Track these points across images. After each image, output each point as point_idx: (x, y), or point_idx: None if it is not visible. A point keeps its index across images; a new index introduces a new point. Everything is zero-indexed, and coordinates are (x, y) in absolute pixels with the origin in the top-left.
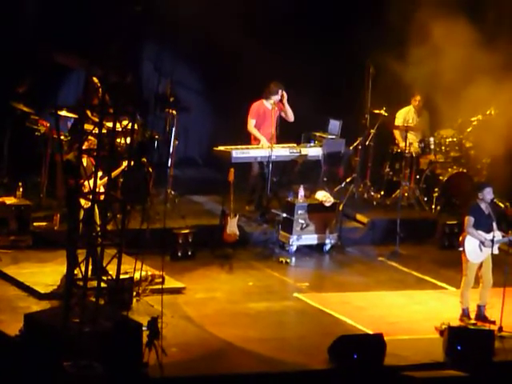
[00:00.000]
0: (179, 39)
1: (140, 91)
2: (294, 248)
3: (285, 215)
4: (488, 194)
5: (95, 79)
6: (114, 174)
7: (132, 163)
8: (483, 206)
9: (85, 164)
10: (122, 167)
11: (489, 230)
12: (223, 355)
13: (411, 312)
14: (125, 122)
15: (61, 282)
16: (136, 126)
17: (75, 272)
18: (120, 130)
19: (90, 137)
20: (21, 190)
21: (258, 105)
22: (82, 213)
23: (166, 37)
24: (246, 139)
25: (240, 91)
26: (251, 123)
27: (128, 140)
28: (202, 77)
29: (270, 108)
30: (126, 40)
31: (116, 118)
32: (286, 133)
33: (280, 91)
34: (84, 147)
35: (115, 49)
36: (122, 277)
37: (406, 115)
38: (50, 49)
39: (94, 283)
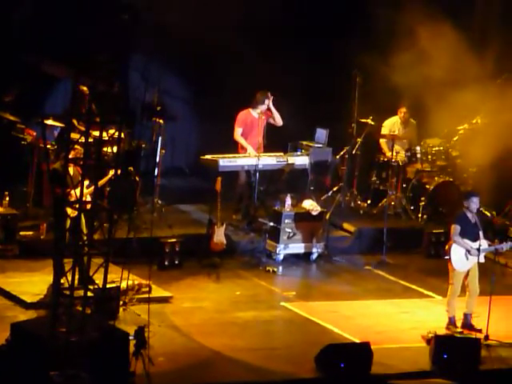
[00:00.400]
0: (166, 48)
1: (127, 100)
2: (281, 257)
3: (272, 224)
4: (473, 203)
5: (83, 88)
6: (100, 183)
7: (119, 172)
8: (470, 214)
9: (71, 173)
10: (109, 176)
11: (475, 238)
12: (211, 364)
13: (398, 321)
14: (111, 131)
15: (47, 292)
16: (122, 135)
17: (62, 281)
18: (107, 139)
19: (76, 146)
20: (7, 199)
21: (244, 114)
22: (68, 222)
23: (154, 46)
24: (233, 148)
25: (227, 100)
26: (238, 132)
27: (115, 149)
28: (189, 86)
29: (257, 117)
30: (114, 49)
31: (103, 127)
32: (272, 142)
33: (267, 100)
34: (70, 156)
35: (102, 58)
36: (108, 286)
37: (391, 126)
38: (37, 58)
39: (81, 292)
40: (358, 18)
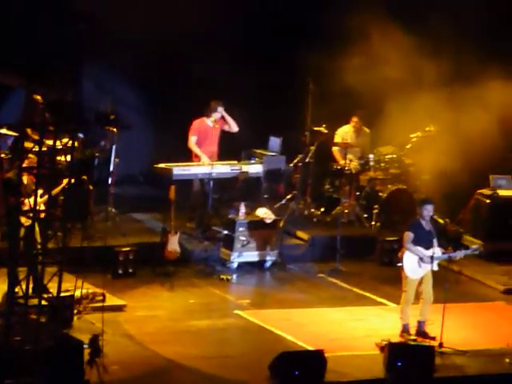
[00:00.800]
0: (120, 58)
1: (81, 109)
2: (235, 265)
3: (226, 232)
4: (427, 210)
5: (37, 97)
6: (54, 191)
7: (72, 181)
8: (424, 222)
9: (25, 182)
10: (63, 185)
11: (429, 246)
12: (165, 373)
13: (352, 328)
14: (65, 140)
15: (2, 300)
16: (76, 144)
17: (16, 290)
18: (60, 147)
19: (30, 155)
20: None
21: (199, 122)
22: (22, 231)
23: (107, 54)
24: (187, 157)
25: (180, 109)
26: (192, 140)
27: (68, 158)
28: (143, 95)
29: (212, 125)
30: (68, 58)
31: (56, 135)
32: (226, 150)
33: (220, 108)
34: (24, 165)
35: (56, 67)
36: (62, 295)
37: (344, 134)
38: None
39: (35, 301)
40: (313, 24)
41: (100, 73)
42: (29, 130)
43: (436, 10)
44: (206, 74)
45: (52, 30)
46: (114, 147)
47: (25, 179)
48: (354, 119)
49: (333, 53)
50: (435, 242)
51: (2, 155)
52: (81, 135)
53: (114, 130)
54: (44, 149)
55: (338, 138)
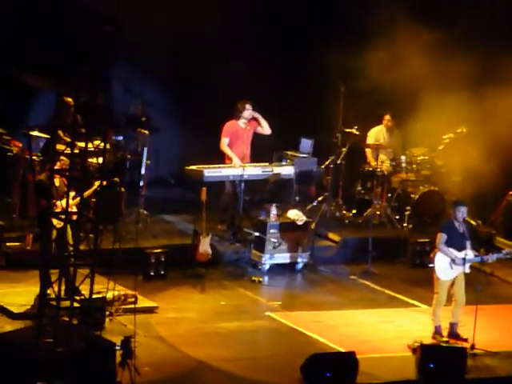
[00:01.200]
0: (150, 59)
1: (111, 111)
2: (266, 267)
3: (257, 234)
4: (460, 212)
5: (68, 99)
6: (86, 193)
7: (104, 183)
8: (457, 223)
9: (57, 184)
10: (94, 187)
11: (461, 248)
12: (195, 374)
13: (383, 330)
14: (97, 142)
15: (34, 302)
16: (108, 146)
17: (48, 292)
18: (92, 149)
19: (62, 157)
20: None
21: (230, 124)
22: (54, 233)
23: (137, 57)
24: (217, 159)
25: (212, 111)
26: (224, 142)
27: (100, 160)
28: (172, 96)
29: (243, 127)
30: (97, 60)
31: (88, 137)
32: (258, 152)
33: (247, 110)
34: (56, 167)
35: (86, 69)
36: (94, 297)
37: (377, 134)
38: (20, 69)
39: (67, 303)
40: (342, 23)
41: (129, 75)
42: (60, 132)
43: (466, 7)
44: (235, 75)
45: (81, 32)
46: (145, 149)
47: (57, 181)
48: (387, 117)
49: (362, 52)
50: (468, 244)
51: (34, 157)
52: (119, 138)
53: (146, 132)
54: (76, 151)
55: (370, 139)
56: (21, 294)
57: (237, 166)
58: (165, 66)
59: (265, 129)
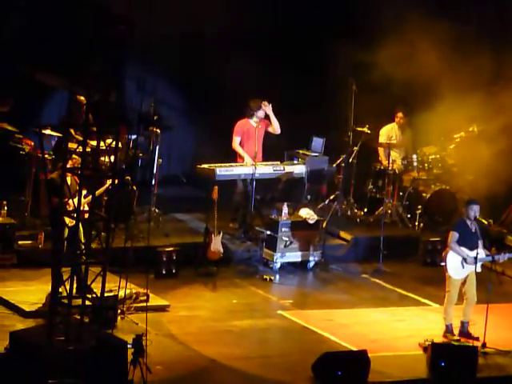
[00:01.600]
0: (163, 58)
1: (124, 110)
2: (277, 265)
3: (268, 233)
4: (472, 210)
5: (80, 97)
6: (98, 192)
7: (116, 182)
8: (469, 222)
9: (69, 182)
10: (106, 186)
11: (473, 247)
12: (207, 373)
13: (394, 329)
14: (109, 141)
15: (45, 300)
16: (120, 145)
17: (60, 290)
18: (104, 148)
19: (74, 155)
20: (5, 208)
21: (242, 123)
22: (66, 231)
23: (149, 55)
24: (228, 157)
25: (224, 109)
26: (236, 141)
27: (112, 158)
28: (184, 95)
29: (255, 126)
30: (109, 58)
31: (100, 136)
32: (269, 150)
33: (261, 109)
34: (68, 166)
35: (98, 68)
36: (106, 295)
37: (389, 132)
38: (32, 68)
39: (79, 301)
40: (353, 22)
41: (141, 74)
42: (72, 131)
43: (479, 6)
44: (247, 74)
45: (93, 31)
46: (157, 148)
47: (68, 180)
48: (399, 115)
49: (373, 50)
50: (480, 243)
51: (46, 156)
52: (133, 137)
53: (157, 130)
54: (88, 149)
55: (382, 138)
56: (33, 293)
57: (248, 165)
58: (177, 65)
59: (275, 128)
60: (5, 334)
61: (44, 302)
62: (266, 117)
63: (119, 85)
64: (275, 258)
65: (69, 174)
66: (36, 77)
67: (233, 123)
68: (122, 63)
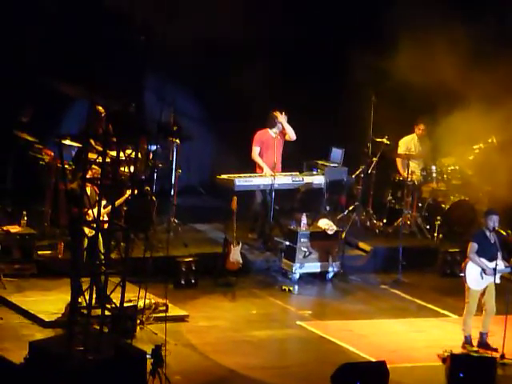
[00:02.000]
0: (182, 68)
1: (143, 120)
2: (296, 276)
3: (287, 243)
4: (492, 221)
5: (99, 108)
6: (117, 202)
7: (136, 192)
8: (488, 233)
9: (89, 193)
10: (126, 196)
11: (492, 258)
12: (226, 383)
13: (413, 340)
14: (128, 151)
15: (65, 310)
16: (140, 155)
17: (79, 300)
18: (124, 158)
19: (93, 166)
20: (25, 218)
21: (262, 133)
22: (85, 241)
23: (169, 66)
24: (247, 168)
25: (243, 120)
26: (255, 151)
27: (131, 169)
28: (205, 105)
29: (274, 136)
30: (129, 70)
31: (119, 146)
32: (288, 161)
33: (280, 119)
34: (88, 176)
35: (118, 78)
36: (125, 305)
37: (408, 143)
38: (52, 79)
39: (98, 311)
40: (370, 32)
41: (162, 84)
42: (92, 141)
43: (500, 14)
44: (266, 85)
45: (113, 42)
46: (176, 158)
47: (88, 190)
48: (421, 126)
49: (392, 61)
50: (499, 254)
51: (66, 166)
52: (154, 147)
53: (177, 141)
54: (107, 160)
55: (401, 149)
56: (52, 302)
57: (267, 176)
58: (197, 75)
59: (290, 135)
60: (24, 343)
61: (63, 312)
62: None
63: (139, 95)
64: (294, 268)
65: (88, 184)
66: (56, 87)
67: (252, 133)
68: (142, 73)
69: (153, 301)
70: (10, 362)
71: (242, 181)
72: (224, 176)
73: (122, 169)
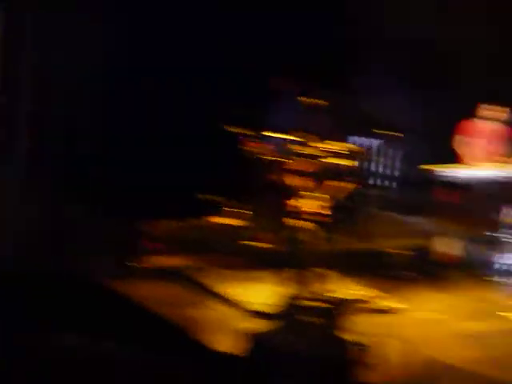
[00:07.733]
0: (394, 59)
1: (364, 115)
2: (507, 267)
3: (498, 235)
4: None
5: (317, 101)
6: (334, 195)
7: (351, 185)
8: None
9: (302, 185)
10: (343, 189)
11: None
12: (442, 377)
13: None
14: (347, 145)
15: (279, 302)
16: (360, 150)
17: (293, 292)
18: (342, 152)
19: (308, 159)
20: (247, 212)
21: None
22: (299, 234)
23: (380, 57)
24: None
25: (454, 110)
26: (469, 143)
27: (349, 163)
28: (415, 99)
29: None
30: (348, 61)
31: (338, 140)
32: None
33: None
34: (303, 169)
35: (338, 70)
36: (336, 297)
37: None
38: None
39: (312, 303)
40: None
41: (372, 76)
42: (304, 134)
43: None
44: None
45: (333, 34)
46: (391, 152)
47: (302, 183)
48: None
49: None
50: None
51: (278, 159)
52: (370, 142)
53: (397, 135)
54: (324, 154)
55: None
56: (263, 293)
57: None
58: (411, 66)
59: None
60: (239, 335)
61: (279, 304)
62: None
63: (355, 89)
64: (504, 260)
65: (303, 177)
66: (270, 80)
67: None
68: (361, 67)
69: (363, 293)
70: (231, 355)
71: (456, 172)
72: (436, 167)
73: (341, 162)
